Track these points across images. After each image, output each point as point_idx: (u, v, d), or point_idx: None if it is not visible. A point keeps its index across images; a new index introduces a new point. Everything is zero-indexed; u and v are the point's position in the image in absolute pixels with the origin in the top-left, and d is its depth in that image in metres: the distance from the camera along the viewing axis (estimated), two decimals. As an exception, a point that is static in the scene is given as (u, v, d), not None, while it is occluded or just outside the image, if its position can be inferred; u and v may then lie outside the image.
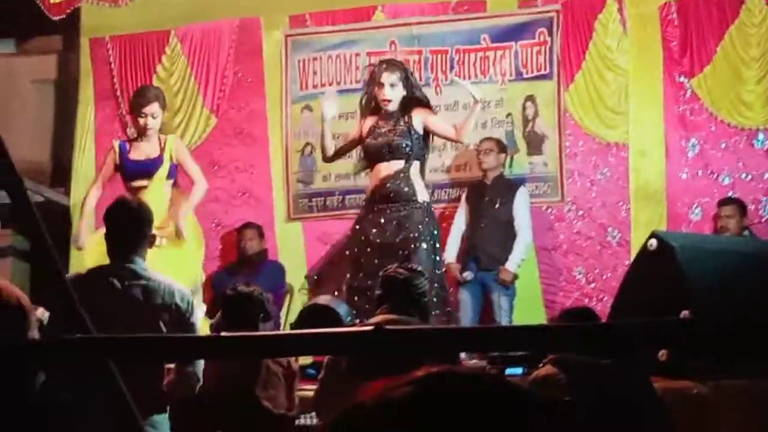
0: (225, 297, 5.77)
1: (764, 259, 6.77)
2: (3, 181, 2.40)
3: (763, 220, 8.71)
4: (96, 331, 2.46)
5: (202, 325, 6.20)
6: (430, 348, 2.36)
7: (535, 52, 9.17)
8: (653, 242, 6.67)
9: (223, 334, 2.43)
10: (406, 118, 7.79)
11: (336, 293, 7.76)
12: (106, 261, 4.94)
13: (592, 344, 2.52)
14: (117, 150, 8.02)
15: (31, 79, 10.38)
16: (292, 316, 8.20)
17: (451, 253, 8.43)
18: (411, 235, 7.57)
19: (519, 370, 6.24)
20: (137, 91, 8.40)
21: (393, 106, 7.82)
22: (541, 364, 5.15)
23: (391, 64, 8.01)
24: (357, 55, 9.47)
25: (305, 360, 6.64)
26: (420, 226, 7.61)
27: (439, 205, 8.87)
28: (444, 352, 3.80)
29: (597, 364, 4.71)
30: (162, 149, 7.93)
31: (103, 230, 5.44)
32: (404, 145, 7.71)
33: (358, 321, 7.01)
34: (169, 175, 7.92)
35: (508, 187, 8.63)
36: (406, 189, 7.67)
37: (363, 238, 7.77)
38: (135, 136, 8.24)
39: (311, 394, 5.55)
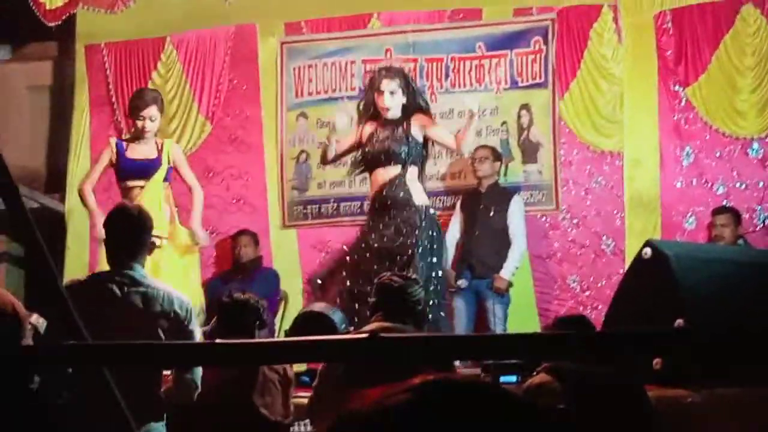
0: (221, 304, 5.77)
1: (759, 267, 6.78)
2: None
3: (758, 229, 8.72)
4: (95, 337, 2.46)
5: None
6: (424, 356, 2.36)
7: (531, 61, 9.18)
8: (648, 251, 6.67)
9: (217, 341, 2.42)
10: (404, 124, 7.78)
11: (338, 300, 7.75)
12: None
13: (586, 352, 2.52)
14: (114, 148, 7.96)
15: (26, 85, 10.37)
16: (287, 323, 8.19)
17: (445, 260, 8.42)
18: (409, 240, 7.57)
19: (513, 378, 6.23)
20: (135, 94, 8.34)
21: (392, 114, 7.81)
22: (535, 372, 5.15)
23: (391, 71, 7.99)
24: (352, 62, 9.47)
25: (300, 367, 6.63)
26: (417, 231, 7.61)
27: (434, 212, 8.87)
28: (438, 360, 3.80)
29: (591, 372, 4.71)
30: (160, 152, 7.90)
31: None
32: (400, 150, 7.71)
33: (352, 328, 7.01)
34: (165, 178, 7.90)
35: (503, 195, 8.64)
36: (402, 194, 7.68)
37: (363, 244, 7.79)
38: (131, 138, 8.13)
39: (306, 401, 5.55)
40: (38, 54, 10.41)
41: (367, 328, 5.22)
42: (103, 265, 7.06)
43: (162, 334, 4.63)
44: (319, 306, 7.61)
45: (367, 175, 8.20)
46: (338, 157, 8.24)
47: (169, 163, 7.90)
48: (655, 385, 5.83)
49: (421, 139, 7.85)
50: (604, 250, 8.99)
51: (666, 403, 5.74)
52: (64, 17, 9.41)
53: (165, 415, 4.79)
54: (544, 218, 9.12)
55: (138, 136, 7.94)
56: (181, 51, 9.71)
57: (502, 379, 6.25)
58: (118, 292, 4.69)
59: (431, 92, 9.19)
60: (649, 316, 6.20)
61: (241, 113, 9.64)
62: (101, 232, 7.41)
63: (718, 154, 8.91)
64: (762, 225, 8.77)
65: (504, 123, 9.21)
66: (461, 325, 8.23)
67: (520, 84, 9.20)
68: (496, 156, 8.71)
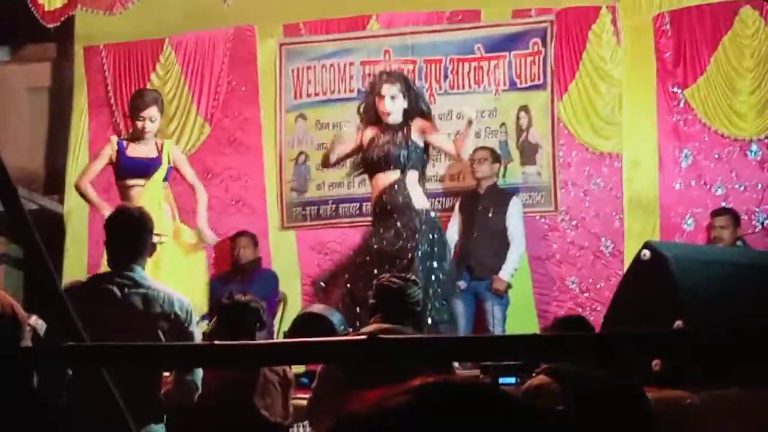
0: (221, 305, 5.76)
1: (758, 269, 6.78)
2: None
3: (757, 230, 8.72)
4: (95, 338, 2.46)
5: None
6: (423, 357, 2.36)
7: (529, 62, 9.19)
8: (646, 252, 6.67)
9: (216, 342, 2.43)
10: (405, 129, 7.76)
11: (340, 303, 7.74)
12: None
13: (585, 354, 2.53)
14: (115, 146, 7.91)
15: (25, 87, 10.37)
16: (286, 325, 8.19)
17: (448, 263, 8.40)
18: (408, 244, 7.55)
19: (512, 380, 6.22)
20: (135, 94, 8.30)
21: (393, 119, 7.78)
22: (534, 374, 5.14)
23: (392, 76, 7.96)
24: (351, 64, 9.48)
25: (298, 369, 6.63)
26: (417, 235, 7.59)
27: (433, 214, 8.87)
28: (437, 362, 3.80)
29: (590, 374, 4.71)
30: (160, 151, 7.88)
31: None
32: (400, 155, 7.69)
33: (351, 330, 7.00)
34: (165, 178, 7.89)
35: (502, 196, 8.64)
36: (402, 199, 7.66)
37: (365, 248, 7.78)
38: (131, 138, 8.06)
39: (305, 402, 5.55)
40: (37, 55, 10.41)
41: (366, 329, 5.22)
42: (104, 267, 7.09)
43: (162, 336, 4.63)
44: (318, 307, 7.60)
45: (365, 176, 8.20)
46: (339, 160, 8.23)
47: (169, 163, 7.88)
48: (655, 386, 5.83)
49: (422, 144, 7.83)
50: (603, 252, 8.99)
51: (665, 405, 5.74)
52: (62, 19, 9.41)
53: (165, 417, 4.79)
54: (542, 219, 9.12)
55: (138, 136, 7.89)
56: (179, 52, 9.71)
57: (501, 380, 6.25)
58: (118, 293, 4.69)
59: (430, 94, 9.18)
60: (648, 317, 6.20)
61: (240, 115, 9.65)
62: (106, 212, 7.41)
63: (716, 156, 8.91)
64: (761, 226, 8.76)
65: (503, 124, 9.21)
66: (460, 326, 8.23)
67: (518, 85, 9.21)
68: (495, 157, 8.71)
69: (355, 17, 9.57)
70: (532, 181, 9.13)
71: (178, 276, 7.37)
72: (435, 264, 7.67)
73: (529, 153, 9.17)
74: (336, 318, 7.54)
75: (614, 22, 9.08)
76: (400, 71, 8.29)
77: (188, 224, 7.94)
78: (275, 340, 7.24)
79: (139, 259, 4.80)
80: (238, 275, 8.76)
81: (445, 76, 9.30)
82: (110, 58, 9.79)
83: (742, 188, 8.84)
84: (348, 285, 7.76)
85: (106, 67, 9.78)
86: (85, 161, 9.41)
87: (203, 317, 7.17)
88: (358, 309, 7.44)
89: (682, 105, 8.99)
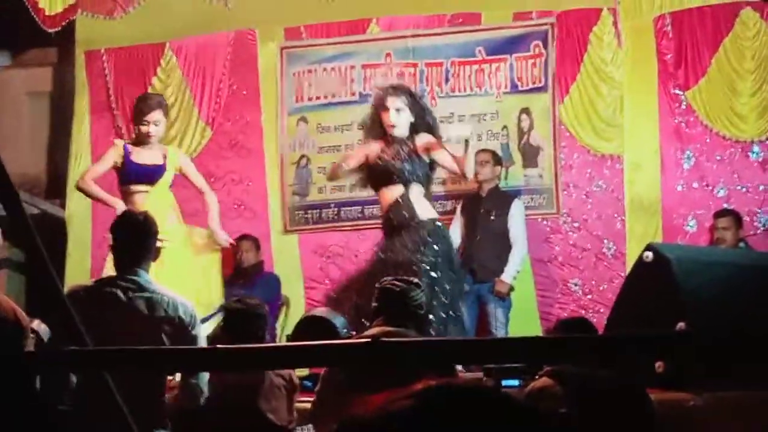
0: (229, 310, 5.75)
1: (760, 270, 6.77)
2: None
3: (759, 231, 8.72)
4: (99, 342, 2.46)
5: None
6: (426, 360, 2.36)
7: (530, 65, 9.19)
8: (649, 254, 6.67)
9: (219, 346, 2.43)
10: (411, 143, 7.69)
11: (347, 315, 7.71)
12: None
13: (588, 356, 2.52)
14: (121, 151, 7.78)
15: (26, 91, 10.38)
16: (289, 328, 8.19)
17: (455, 273, 8.36)
18: (414, 257, 7.47)
19: (515, 382, 6.22)
20: (139, 99, 8.20)
21: (399, 132, 7.68)
22: (537, 376, 5.14)
23: (398, 89, 7.89)
24: (352, 67, 9.48)
25: (302, 372, 6.63)
26: (423, 247, 7.53)
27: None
28: (440, 365, 3.80)
29: (593, 376, 4.71)
30: (165, 158, 7.83)
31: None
32: (404, 170, 7.60)
33: (354, 333, 6.99)
34: (171, 185, 7.85)
35: (504, 199, 8.64)
36: (407, 213, 7.58)
37: (374, 262, 7.75)
38: (135, 143, 7.93)
39: (308, 406, 5.55)
40: (38, 60, 10.42)
41: (369, 332, 5.21)
42: (105, 271, 7.09)
43: (165, 339, 4.64)
44: (321, 311, 7.59)
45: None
46: (345, 175, 8.18)
47: (174, 170, 7.84)
48: (658, 388, 5.82)
49: (427, 159, 7.76)
50: (605, 254, 8.99)
51: (668, 407, 5.74)
52: (63, 23, 9.42)
53: (169, 422, 4.79)
54: (544, 222, 9.12)
55: (142, 141, 7.77)
56: (180, 56, 9.72)
57: (504, 382, 6.25)
58: (122, 296, 4.70)
59: (431, 97, 9.19)
60: (651, 319, 6.20)
61: (242, 118, 9.65)
62: (119, 206, 7.39)
63: (718, 158, 8.91)
64: (763, 228, 8.77)
65: (504, 127, 9.21)
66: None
67: (520, 88, 9.21)
68: (497, 160, 8.71)
69: (355, 21, 9.57)
70: (533, 183, 9.13)
71: (191, 278, 7.38)
72: (441, 274, 7.59)
73: (530, 155, 9.17)
74: (339, 321, 7.52)
75: (615, 24, 9.08)
76: (405, 85, 8.25)
77: (205, 227, 7.87)
78: (278, 344, 7.23)
79: (144, 263, 4.82)
80: (240, 279, 8.75)
81: (446, 79, 9.30)
82: (111, 63, 9.79)
83: (744, 189, 8.84)
84: (355, 297, 7.73)
85: (107, 71, 9.78)
86: (86, 165, 9.39)
87: (203, 319, 7.16)
88: (363, 321, 7.42)
89: (683, 107, 8.99)
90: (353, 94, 9.41)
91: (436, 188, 9.03)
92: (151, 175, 7.70)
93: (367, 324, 7.23)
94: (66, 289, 4.80)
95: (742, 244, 8.28)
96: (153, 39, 9.74)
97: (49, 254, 2.42)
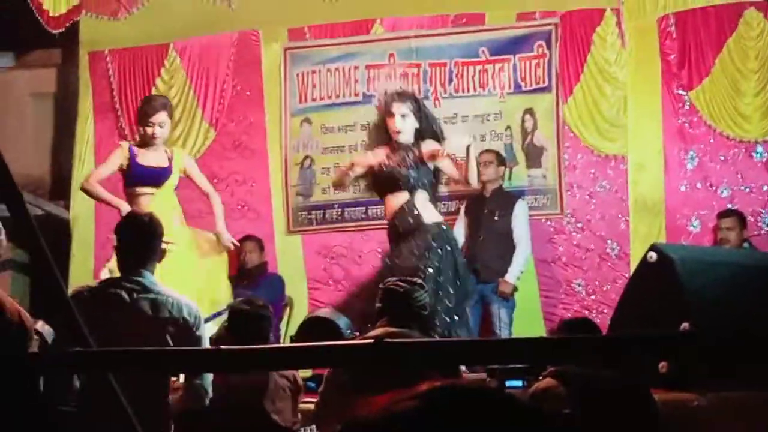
0: (233, 311, 5.76)
1: (764, 270, 6.77)
2: (2, 194, 2.40)
3: (763, 232, 8.71)
4: (104, 343, 2.47)
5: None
6: (429, 361, 2.36)
7: (534, 65, 9.18)
8: (653, 254, 6.67)
9: (223, 347, 2.43)
10: (416, 150, 7.68)
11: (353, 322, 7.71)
12: None
13: (592, 356, 2.52)
14: (127, 153, 7.76)
15: (30, 92, 10.39)
16: (292, 329, 8.20)
17: (461, 276, 8.35)
18: (420, 263, 7.45)
19: (519, 383, 6.22)
20: (144, 100, 8.21)
21: (404, 138, 7.68)
22: (541, 377, 5.14)
23: (403, 95, 7.89)
24: (356, 68, 9.48)
25: (305, 373, 6.64)
26: (428, 252, 7.52)
27: (439, 217, 8.87)
28: (444, 365, 3.80)
29: (597, 376, 4.71)
30: (170, 160, 7.82)
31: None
32: (409, 176, 7.60)
33: (357, 334, 6.99)
34: (176, 187, 7.85)
35: (507, 199, 8.63)
36: (412, 219, 7.58)
37: (382, 267, 7.74)
38: (140, 144, 7.92)
39: (312, 406, 5.55)
40: (42, 61, 10.43)
41: (373, 333, 5.21)
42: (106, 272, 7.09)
43: (170, 340, 4.64)
44: (324, 311, 7.60)
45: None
46: (351, 183, 8.16)
47: (179, 172, 7.83)
48: (662, 388, 5.82)
49: (432, 166, 7.75)
50: (609, 254, 8.98)
51: (672, 407, 5.74)
52: (67, 24, 9.44)
53: (173, 424, 4.80)
54: (548, 222, 9.11)
55: (147, 142, 7.77)
56: (184, 57, 9.72)
57: (508, 383, 6.25)
58: (126, 297, 4.71)
59: (435, 97, 9.19)
60: (655, 319, 6.20)
61: (245, 119, 9.65)
62: (124, 208, 7.39)
63: (722, 158, 8.91)
64: (767, 228, 8.76)
65: (508, 127, 9.21)
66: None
67: (523, 88, 9.20)
68: (500, 160, 8.71)
69: (359, 21, 9.57)
70: (537, 183, 9.12)
71: (197, 280, 7.38)
72: (445, 278, 7.58)
73: (534, 156, 9.16)
74: (342, 322, 7.54)
75: (619, 24, 9.07)
76: (410, 92, 8.24)
77: (211, 229, 7.87)
78: (282, 345, 7.23)
79: (149, 265, 4.82)
80: (244, 280, 8.75)
81: (450, 80, 9.29)
82: (115, 64, 9.79)
83: (747, 190, 8.84)
84: (364, 307, 7.72)
85: (111, 72, 9.78)
86: (90, 166, 9.41)
87: (206, 319, 7.16)
88: (369, 325, 7.41)
89: (687, 107, 8.98)
90: (357, 94, 9.41)
91: (440, 189, 9.01)
92: (157, 177, 7.69)
93: (370, 326, 7.25)
94: (70, 290, 4.81)
95: (746, 245, 8.27)
96: (157, 40, 9.75)
97: (53, 255, 2.42)
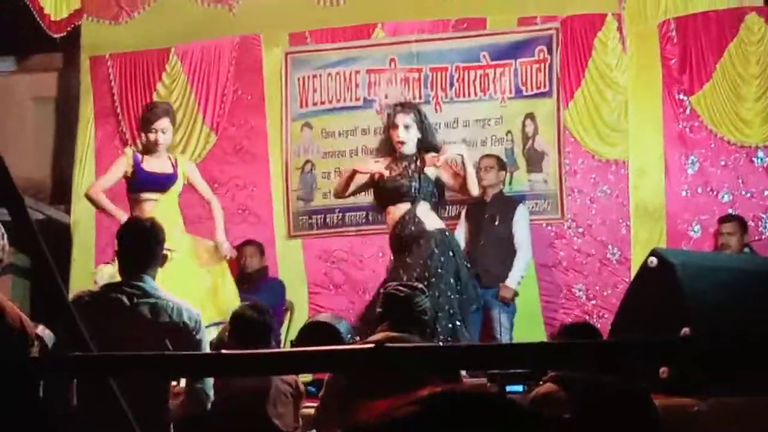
0: (235, 315, 5.75)
1: (765, 276, 6.76)
2: (3, 198, 2.40)
3: (764, 237, 8.71)
4: (104, 347, 2.47)
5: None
6: (430, 366, 2.36)
7: (535, 70, 9.18)
8: (653, 259, 6.67)
9: (223, 351, 2.43)
10: (418, 161, 7.68)
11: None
12: None
13: (592, 361, 2.52)
14: (131, 159, 7.75)
15: (31, 97, 10.40)
16: (293, 333, 8.19)
17: (464, 283, 8.33)
18: (425, 272, 7.45)
19: (519, 388, 6.22)
20: (147, 107, 8.19)
21: (408, 149, 7.66)
22: (541, 382, 5.14)
23: (406, 106, 7.88)
24: (357, 72, 9.48)
25: (305, 378, 6.63)
26: (430, 261, 7.51)
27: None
28: (444, 370, 3.80)
29: (597, 381, 4.71)
30: (175, 166, 7.80)
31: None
32: (411, 186, 7.60)
33: (358, 338, 6.99)
34: (180, 193, 7.84)
35: (508, 204, 8.63)
36: (414, 228, 7.56)
37: (387, 278, 7.73)
38: (144, 151, 7.90)
39: (312, 411, 5.55)
40: (43, 65, 10.44)
41: (373, 338, 5.21)
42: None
43: (170, 345, 4.64)
44: (325, 316, 7.59)
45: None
46: (353, 193, 8.15)
47: (184, 179, 7.82)
48: (662, 393, 5.82)
49: (433, 177, 7.75)
50: (609, 259, 8.98)
51: (672, 412, 5.73)
52: (68, 29, 9.45)
53: (174, 429, 4.80)
54: (549, 227, 9.11)
55: (150, 149, 7.75)
56: (185, 62, 9.72)
57: (509, 388, 6.24)
58: (127, 302, 4.71)
59: (436, 102, 9.20)
60: (656, 324, 6.19)
61: (246, 124, 9.66)
62: (124, 219, 7.38)
63: (723, 163, 8.91)
64: (768, 233, 8.76)
65: (509, 132, 9.21)
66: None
67: (524, 93, 9.20)
68: (501, 165, 8.71)
69: (360, 26, 9.57)
70: (538, 188, 9.12)
71: (198, 287, 7.37)
72: (446, 285, 7.55)
73: (535, 160, 9.16)
74: (343, 326, 7.54)
75: (620, 29, 9.08)
76: (414, 103, 8.24)
77: (211, 237, 7.85)
78: (282, 349, 7.23)
79: (150, 270, 4.83)
80: (244, 284, 8.74)
81: (451, 84, 9.30)
82: (116, 68, 9.80)
83: (748, 195, 8.84)
84: (367, 313, 7.71)
85: (112, 76, 9.79)
86: (91, 171, 9.43)
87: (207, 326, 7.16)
88: (369, 330, 7.40)
89: (688, 112, 8.99)
90: (358, 99, 9.41)
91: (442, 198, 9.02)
92: (162, 183, 7.68)
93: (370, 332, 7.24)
94: (71, 295, 4.81)
95: (746, 250, 8.28)
96: (158, 44, 9.76)
97: (54, 259, 2.42)
